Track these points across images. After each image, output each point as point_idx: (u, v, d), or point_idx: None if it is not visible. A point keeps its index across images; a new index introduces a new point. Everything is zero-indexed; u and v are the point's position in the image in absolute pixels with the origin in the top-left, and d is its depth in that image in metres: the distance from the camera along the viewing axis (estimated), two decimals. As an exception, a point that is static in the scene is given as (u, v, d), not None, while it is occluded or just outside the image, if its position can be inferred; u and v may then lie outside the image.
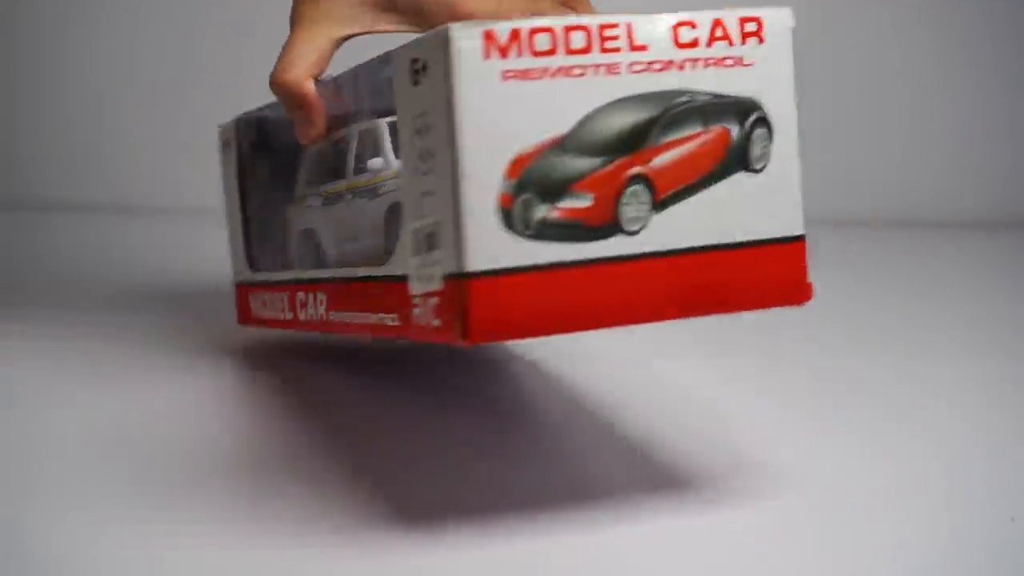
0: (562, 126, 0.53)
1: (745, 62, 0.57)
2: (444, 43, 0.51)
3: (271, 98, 1.36)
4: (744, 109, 0.57)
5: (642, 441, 0.67)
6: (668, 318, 0.55)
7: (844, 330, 0.91)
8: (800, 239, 0.58)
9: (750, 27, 0.57)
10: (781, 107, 0.57)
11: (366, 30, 0.67)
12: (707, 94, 0.56)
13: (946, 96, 1.27)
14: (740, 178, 0.57)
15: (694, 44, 0.56)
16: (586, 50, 0.54)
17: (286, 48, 0.66)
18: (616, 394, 0.74)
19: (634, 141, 0.54)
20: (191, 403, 0.70)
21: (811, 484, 0.62)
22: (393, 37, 1.02)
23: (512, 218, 0.52)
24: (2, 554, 0.50)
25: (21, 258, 1.04)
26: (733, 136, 0.57)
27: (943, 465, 0.65)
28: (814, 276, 1.09)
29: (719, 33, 0.56)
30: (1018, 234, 1.20)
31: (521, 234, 0.53)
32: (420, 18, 0.66)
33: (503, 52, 0.52)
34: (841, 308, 0.97)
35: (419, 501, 0.58)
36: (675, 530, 0.56)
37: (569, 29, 0.53)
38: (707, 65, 0.56)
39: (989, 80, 1.27)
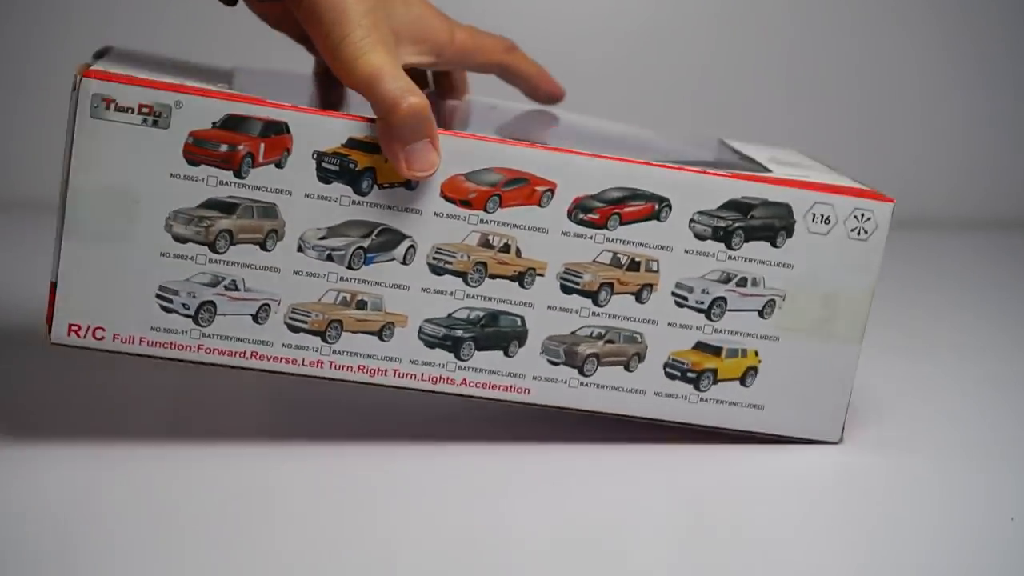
0: None
1: None
2: None
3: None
4: None
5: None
6: None
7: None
8: None
9: None
10: None
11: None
12: None
13: (949, 93, 1.25)
14: None
15: None
16: None
17: (385, 76, 0.60)
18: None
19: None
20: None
21: (810, 483, 0.62)
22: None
23: None
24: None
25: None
26: None
27: (943, 465, 0.65)
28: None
29: None
30: (1018, 233, 1.20)
31: None
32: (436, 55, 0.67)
33: None
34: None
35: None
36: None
37: None
38: None
39: (993, 76, 1.25)
